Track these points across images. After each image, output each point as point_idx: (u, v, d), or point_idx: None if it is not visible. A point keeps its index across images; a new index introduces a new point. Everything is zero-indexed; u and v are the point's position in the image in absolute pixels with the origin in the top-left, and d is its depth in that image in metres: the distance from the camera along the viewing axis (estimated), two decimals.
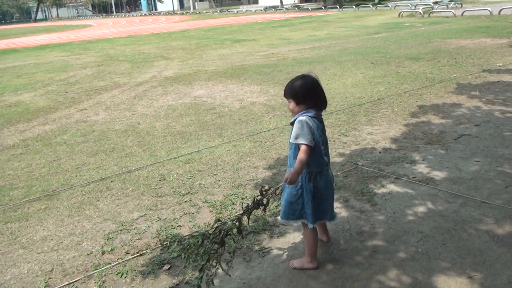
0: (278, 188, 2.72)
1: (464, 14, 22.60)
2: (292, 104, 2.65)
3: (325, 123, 5.73)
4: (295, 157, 2.57)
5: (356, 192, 3.78)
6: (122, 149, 5.42)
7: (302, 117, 2.57)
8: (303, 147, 2.52)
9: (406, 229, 3.18)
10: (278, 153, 4.84)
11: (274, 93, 8.21)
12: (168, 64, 13.16)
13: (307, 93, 2.60)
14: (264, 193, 2.68)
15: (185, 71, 11.57)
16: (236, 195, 3.87)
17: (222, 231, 2.53)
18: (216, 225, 2.57)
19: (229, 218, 2.99)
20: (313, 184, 2.63)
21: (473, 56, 10.43)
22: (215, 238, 2.48)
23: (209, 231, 2.54)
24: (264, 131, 5.75)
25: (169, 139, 5.73)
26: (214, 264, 2.45)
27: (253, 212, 2.86)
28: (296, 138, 2.55)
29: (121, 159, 5.07)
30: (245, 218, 2.73)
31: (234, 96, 8.17)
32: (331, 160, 4.56)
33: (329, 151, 4.57)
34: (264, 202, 2.66)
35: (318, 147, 2.60)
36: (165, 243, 3.18)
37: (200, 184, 4.15)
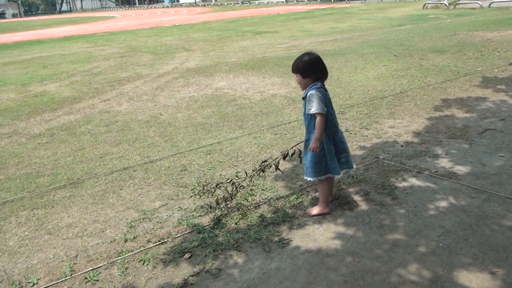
0: (293, 153, 3.44)
1: (492, 5, 21.95)
2: (299, 78, 3.13)
3: (346, 115, 5.78)
4: (313, 126, 3.08)
5: (377, 186, 3.75)
6: (145, 140, 5.50)
7: (312, 91, 3.06)
8: (318, 116, 3.03)
9: (427, 223, 3.14)
10: (302, 147, 4.84)
11: (295, 85, 8.17)
12: (190, 55, 13.23)
13: (312, 68, 3.07)
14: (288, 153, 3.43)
15: (206, 62, 11.61)
16: (256, 186, 3.89)
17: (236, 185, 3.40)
18: (229, 179, 3.40)
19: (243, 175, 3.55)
20: (333, 142, 3.15)
21: (500, 49, 10.16)
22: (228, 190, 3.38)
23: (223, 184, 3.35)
24: (285, 123, 5.75)
25: (190, 130, 5.78)
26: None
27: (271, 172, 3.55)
28: (310, 109, 3.05)
29: (144, 149, 5.15)
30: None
31: (255, 88, 8.17)
32: (352, 153, 4.54)
33: (349, 144, 4.58)
34: (287, 156, 3.41)
35: (329, 112, 3.11)
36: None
37: (221, 175, 4.18)
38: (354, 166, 3.37)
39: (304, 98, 3.14)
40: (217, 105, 7.01)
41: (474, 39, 11.85)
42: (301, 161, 3.50)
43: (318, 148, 3.08)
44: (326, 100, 3.09)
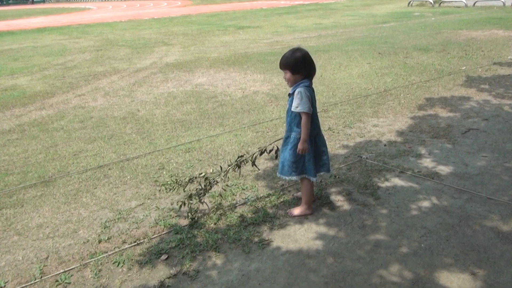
0: (272, 150, 3.51)
1: (476, 4, 22.41)
2: (288, 74, 3.12)
3: (329, 113, 5.81)
4: (295, 123, 3.13)
5: (359, 185, 3.79)
6: (121, 137, 5.44)
7: (301, 88, 3.07)
8: (304, 116, 3.06)
9: (409, 224, 3.19)
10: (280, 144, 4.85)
11: (278, 82, 8.19)
12: (169, 50, 13.13)
13: (301, 65, 3.09)
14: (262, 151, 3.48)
15: (186, 57, 11.54)
16: (236, 186, 3.89)
17: (210, 180, 3.41)
18: (203, 174, 3.42)
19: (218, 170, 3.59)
20: (314, 144, 3.19)
21: (484, 48, 10.38)
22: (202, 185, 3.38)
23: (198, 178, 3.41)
24: (267, 121, 5.76)
25: (169, 127, 5.74)
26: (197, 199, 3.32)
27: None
28: (297, 107, 3.06)
29: (120, 146, 5.09)
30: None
31: (236, 84, 8.16)
32: (335, 152, 4.57)
33: (332, 143, 4.61)
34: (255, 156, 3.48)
35: (314, 113, 3.16)
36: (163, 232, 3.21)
37: (200, 173, 4.16)
38: (331, 170, 3.49)
39: (290, 95, 3.16)
40: (197, 102, 6.98)
41: (458, 37, 12.08)
42: (276, 157, 3.54)
43: (307, 148, 3.11)
44: (312, 100, 3.12)
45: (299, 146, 3.11)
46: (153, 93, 7.72)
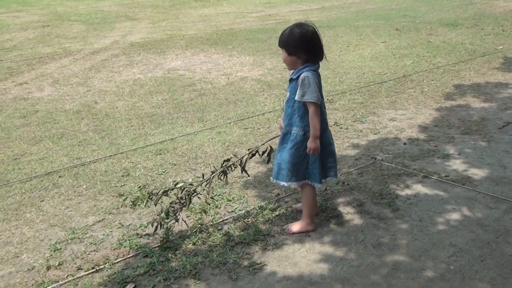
0: (266, 151, 3.49)
1: None
2: (284, 54, 3.16)
3: (335, 105, 5.85)
4: (298, 116, 3.14)
5: (373, 194, 3.81)
6: (74, 135, 5.41)
7: (307, 73, 3.08)
8: (313, 107, 3.07)
9: (435, 241, 3.22)
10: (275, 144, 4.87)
11: (271, 66, 8.21)
12: (134, 26, 13.09)
13: (300, 45, 3.09)
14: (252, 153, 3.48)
15: (156, 35, 11.50)
16: (221, 196, 3.89)
17: (189, 192, 3.39)
18: (180, 184, 3.38)
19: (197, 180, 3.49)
20: (320, 142, 3.16)
21: None
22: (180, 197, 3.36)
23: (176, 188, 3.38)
24: (258, 115, 5.77)
25: (134, 123, 5.72)
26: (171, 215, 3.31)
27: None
28: (303, 96, 3.08)
29: (73, 148, 5.06)
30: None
31: (219, 69, 8.15)
32: (343, 152, 4.60)
33: (340, 142, 4.66)
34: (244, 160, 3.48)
35: (322, 104, 3.17)
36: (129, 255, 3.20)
37: (175, 181, 4.14)
38: (339, 176, 3.48)
39: (291, 80, 3.18)
40: (170, 91, 6.96)
41: (494, 9, 12.20)
42: (268, 161, 3.55)
43: (319, 147, 3.13)
44: (320, 88, 3.14)
45: (310, 144, 3.11)
46: (115, 81, 7.69)
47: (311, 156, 3.19)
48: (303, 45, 3.09)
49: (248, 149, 3.53)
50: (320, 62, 3.21)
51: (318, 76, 3.16)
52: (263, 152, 3.52)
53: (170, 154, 4.78)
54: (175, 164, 4.55)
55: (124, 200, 3.42)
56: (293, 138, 3.20)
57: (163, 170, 4.43)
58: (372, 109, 5.80)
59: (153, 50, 9.93)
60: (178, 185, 3.39)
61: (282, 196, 3.86)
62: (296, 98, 3.12)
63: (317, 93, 3.07)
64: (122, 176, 4.37)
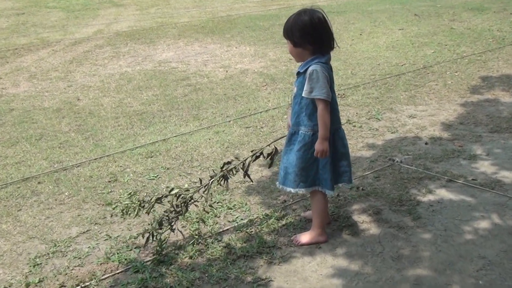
0: (271, 154, 3.50)
1: None
2: (289, 46, 3.16)
3: (348, 100, 5.86)
4: (306, 115, 3.15)
5: (391, 200, 3.81)
6: (54, 136, 5.42)
7: (316, 66, 3.07)
8: (322, 105, 3.07)
9: (462, 253, 3.22)
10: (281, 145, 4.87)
11: (274, 57, 8.21)
12: (120, 13, 13.10)
13: (308, 35, 3.08)
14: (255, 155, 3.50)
15: (145, 23, 11.51)
16: (220, 204, 3.89)
17: (184, 199, 3.38)
18: (175, 191, 3.38)
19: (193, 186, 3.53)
20: (332, 144, 3.19)
21: None
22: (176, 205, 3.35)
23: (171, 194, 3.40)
24: (260, 112, 5.77)
25: (122, 122, 5.73)
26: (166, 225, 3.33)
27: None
28: (311, 92, 3.08)
29: (53, 150, 5.07)
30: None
31: (216, 61, 8.15)
32: (356, 154, 4.60)
33: (353, 142, 4.67)
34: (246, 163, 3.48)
35: (333, 100, 3.17)
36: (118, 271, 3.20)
37: (168, 187, 4.15)
38: (353, 180, 3.47)
39: (299, 74, 3.18)
40: (162, 86, 6.96)
41: None
42: (271, 164, 3.55)
43: (328, 150, 3.12)
44: (331, 83, 3.14)
45: (318, 146, 3.11)
46: (99, 75, 7.69)
47: (321, 159, 3.18)
48: (310, 35, 3.08)
49: (252, 151, 3.54)
50: (331, 53, 3.20)
51: (329, 69, 3.15)
52: (268, 154, 3.52)
53: (162, 157, 4.78)
54: (168, 168, 4.55)
55: (113, 209, 3.42)
56: (300, 139, 3.20)
57: (155, 175, 4.43)
58: (389, 104, 5.80)
59: (142, 40, 9.94)
60: (173, 192, 3.40)
61: (289, 204, 3.86)
62: (303, 95, 3.12)
63: (326, 88, 3.06)
64: (109, 181, 4.37)
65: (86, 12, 13.39)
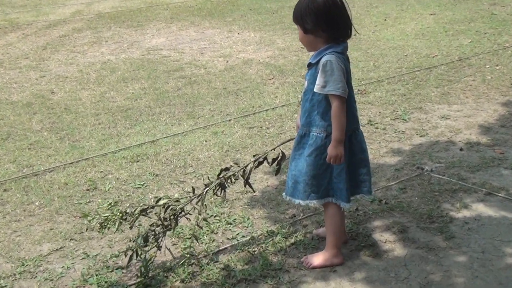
0: (279, 158, 3.51)
1: None
2: (300, 33, 3.17)
3: (369, 97, 5.86)
4: (318, 113, 3.13)
5: (420, 216, 3.80)
6: (24, 136, 5.42)
7: (331, 56, 3.06)
8: (337, 102, 3.05)
9: (502, 279, 3.20)
10: (289, 149, 4.86)
11: (283, 45, 8.20)
12: None
13: (322, 19, 3.06)
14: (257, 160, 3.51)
15: (131, 3, 11.52)
16: (218, 217, 3.88)
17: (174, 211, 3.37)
18: (164, 201, 3.38)
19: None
20: (348, 148, 3.18)
21: None
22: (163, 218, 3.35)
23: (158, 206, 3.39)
24: (266, 110, 5.77)
25: (103, 120, 5.73)
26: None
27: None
28: (324, 86, 3.05)
29: (22, 152, 5.07)
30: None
31: (215, 48, 8.15)
32: (379, 161, 4.59)
33: (375, 146, 4.67)
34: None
35: (351, 96, 3.18)
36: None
37: (156, 197, 4.14)
38: (373, 191, 3.48)
39: (311, 65, 3.18)
40: (151, 78, 6.96)
41: None
42: (278, 171, 3.54)
43: (342, 155, 3.09)
44: (347, 77, 3.13)
45: (331, 151, 3.09)
46: (77, 64, 7.70)
47: (335, 166, 3.17)
48: (323, 20, 3.06)
49: (254, 155, 3.53)
50: (348, 41, 3.19)
51: (345, 60, 3.14)
52: (273, 160, 3.51)
53: (150, 161, 4.77)
54: (157, 175, 4.54)
55: (89, 221, 3.41)
56: (312, 142, 3.18)
57: (142, 183, 4.42)
58: (418, 103, 5.79)
59: (128, 23, 9.95)
60: (161, 202, 3.39)
61: (298, 218, 3.85)
62: (315, 90, 3.09)
63: (342, 83, 3.03)
64: (87, 190, 4.36)
65: None
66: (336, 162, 3.09)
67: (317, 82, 3.07)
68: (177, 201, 3.40)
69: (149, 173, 4.57)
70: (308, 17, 3.07)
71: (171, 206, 3.38)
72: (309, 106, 3.17)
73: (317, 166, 3.17)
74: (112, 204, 3.44)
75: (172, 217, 3.37)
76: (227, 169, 3.50)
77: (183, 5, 11.13)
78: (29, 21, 10.38)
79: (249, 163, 3.51)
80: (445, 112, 5.54)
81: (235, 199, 4.13)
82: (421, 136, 5.05)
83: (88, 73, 7.27)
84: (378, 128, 5.21)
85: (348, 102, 3.12)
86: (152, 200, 3.96)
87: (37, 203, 4.21)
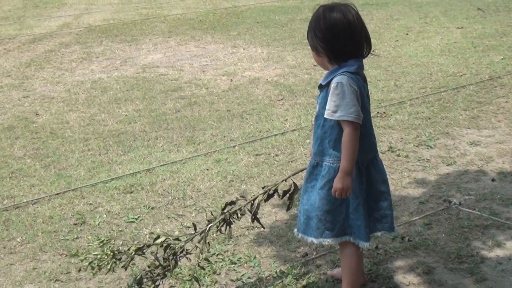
0: (290, 191, 3.52)
1: None
2: (313, 53, 3.20)
3: (389, 121, 5.87)
4: (331, 141, 3.12)
5: (447, 256, 3.78)
6: (5, 163, 5.43)
7: (342, 78, 3.04)
8: (349, 128, 3.02)
9: None
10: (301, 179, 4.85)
11: (294, 62, 8.22)
12: (94, 1, 13.21)
13: (335, 39, 3.07)
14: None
15: (124, 15, 11.59)
16: (221, 256, 3.87)
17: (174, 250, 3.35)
18: (162, 239, 3.35)
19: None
20: (366, 179, 3.17)
21: None
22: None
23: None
24: (275, 135, 5.77)
25: (93, 145, 5.73)
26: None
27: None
28: (335, 111, 3.04)
29: (2, 182, 5.07)
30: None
31: (218, 66, 8.17)
32: (401, 193, 4.58)
33: (397, 176, 4.65)
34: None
35: (367, 121, 3.15)
36: None
37: (152, 233, 4.15)
38: (396, 228, 3.41)
39: (321, 87, 3.18)
40: (146, 98, 6.97)
41: None
42: (290, 206, 3.54)
43: (350, 188, 3.07)
44: (363, 99, 3.12)
45: (337, 183, 3.06)
46: (65, 82, 7.71)
47: (352, 200, 3.16)
48: (339, 40, 3.07)
49: (263, 187, 3.52)
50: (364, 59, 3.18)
51: (360, 81, 3.12)
52: (285, 192, 3.51)
53: (145, 193, 4.77)
54: (152, 208, 4.53)
55: (78, 261, 3.41)
56: (324, 173, 3.17)
57: (136, 217, 4.41)
58: (444, 127, 5.78)
59: (121, 37, 10.00)
60: (159, 240, 3.38)
61: (311, 258, 3.84)
62: (325, 115, 3.08)
63: (355, 107, 3.01)
64: (75, 224, 4.36)
65: None
66: (342, 195, 3.06)
67: (327, 107, 3.06)
68: (177, 239, 3.40)
69: (144, 206, 4.56)
70: (320, 35, 3.09)
71: (171, 245, 3.37)
72: (321, 132, 3.17)
73: (330, 200, 3.14)
74: (104, 242, 3.44)
75: (171, 257, 3.37)
76: (232, 202, 3.49)
77: (183, 17, 11.19)
78: (11, 34, 10.43)
79: (257, 195, 3.50)
80: (474, 138, 5.53)
81: (240, 236, 4.11)
82: (448, 164, 5.04)
83: (76, 93, 7.28)
84: (400, 156, 5.21)
85: (364, 128, 3.11)
86: (148, 237, 3.97)
87: (18, 239, 4.20)
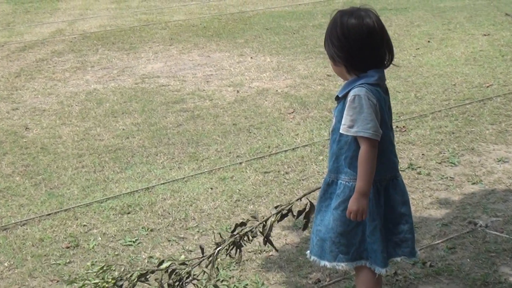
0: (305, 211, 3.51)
1: None
2: (331, 62, 3.20)
3: (410, 135, 5.88)
4: (347, 158, 3.11)
5: (473, 282, 3.77)
6: None
7: (360, 90, 3.02)
8: (366, 145, 3.01)
9: None
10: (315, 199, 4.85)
11: (306, 72, 8.21)
12: (89, 6, 13.26)
13: (354, 47, 3.05)
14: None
15: (122, 21, 11.62)
16: (226, 282, 3.85)
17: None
18: (167, 264, 3.37)
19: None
20: (384, 200, 3.16)
21: None
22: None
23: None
24: (285, 151, 5.77)
25: (88, 162, 5.74)
26: None
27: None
28: (351, 126, 3.02)
29: None
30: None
31: (223, 76, 8.17)
32: (422, 213, 4.57)
33: (418, 196, 4.65)
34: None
35: (386, 137, 3.13)
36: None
37: (151, 258, 4.15)
38: (418, 253, 3.41)
39: (338, 99, 3.17)
40: (145, 111, 6.97)
41: None
42: (305, 226, 3.54)
43: (366, 210, 3.06)
44: (383, 113, 3.11)
45: (352, 204, 3.04)
46: (57, 94, 7.73)
47: (369, 223, 3.15)
48: (358, 49, 3.07)
49: (276, 206, 3.52)
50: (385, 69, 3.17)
51: (380, 93, 3.10)
52: (300, 212, 3.49)
53: (144, 213, 4.77)
54: (152, 230, 4.53)
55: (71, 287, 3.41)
56: (339, 192, 3.16)
57: (133, 239, 4.41)
58: (469, 143, 5.77)
59: (118, 45, 10.02)
60: (163, 265, 3.38)
61: (324, 284, 3.83)
62: (341, 130, 3.07)
63: (373, 122, 2.99)
64: (68, 248, 4.35)
65: (41, 4, 13.57)
66: (358, 218, 3.04)
67: (343, 121, 3.04)
68: (183, 263, 3.39)
69: (142, 228, 4.56)
70: (335, 42, 3.08)
71: (176, 270, 3.37)
72: (337, 148, 3.15)
73: (345, 222, 3.13)
74: (104, 269, 3.43)
75: (177, 283, 3.36)
76: (243, 224, 3.49)
77: (185, 23, 11.22)
78: (0, 42, 10.47)
79: (270, 216, 3.50)
80: (502, 154, 5.52)
81: (247, 260, 4.10)
82: (473, 183, 5.03)
83: (70, 105, 7.29)
84: (421, 174, 5.20)
85: (384, 145, 3.09)
86: (146, 261, 3.97)
87: (6, 264, 4.20)
